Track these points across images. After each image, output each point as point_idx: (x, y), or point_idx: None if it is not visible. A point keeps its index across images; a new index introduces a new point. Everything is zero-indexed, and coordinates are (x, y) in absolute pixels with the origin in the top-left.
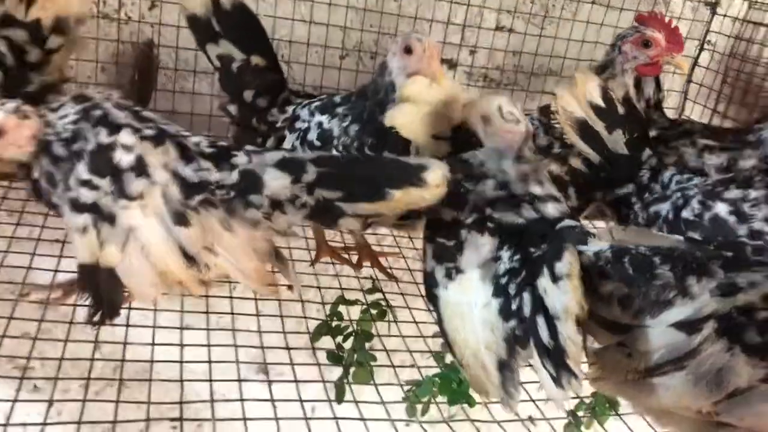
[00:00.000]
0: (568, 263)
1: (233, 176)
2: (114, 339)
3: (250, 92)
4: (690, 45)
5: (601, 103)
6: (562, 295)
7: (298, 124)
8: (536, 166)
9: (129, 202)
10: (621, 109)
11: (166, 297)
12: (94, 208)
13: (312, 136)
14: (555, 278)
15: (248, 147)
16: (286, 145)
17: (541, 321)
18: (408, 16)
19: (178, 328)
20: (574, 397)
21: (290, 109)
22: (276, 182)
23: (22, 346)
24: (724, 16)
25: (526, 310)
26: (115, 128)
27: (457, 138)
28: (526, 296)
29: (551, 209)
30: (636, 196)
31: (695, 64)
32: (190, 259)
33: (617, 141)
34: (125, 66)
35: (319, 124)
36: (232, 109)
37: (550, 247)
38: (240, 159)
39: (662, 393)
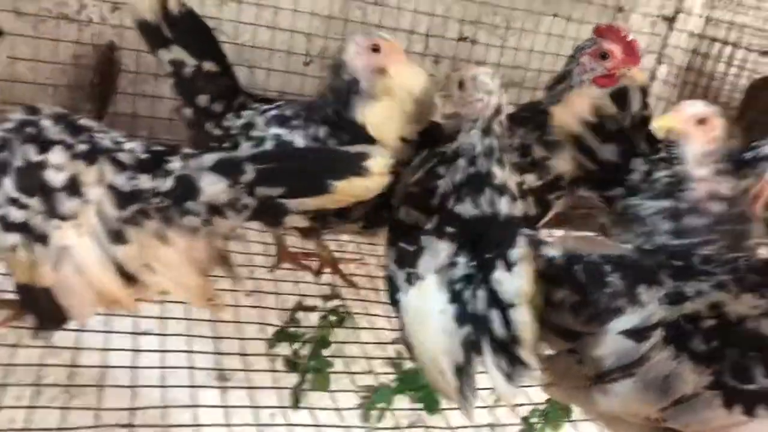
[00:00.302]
0: (521, 248)
1: (168, 183)
2: (67, 344)
3: (204, 97)
4: (649, 59)
5: (592, 119)
6: (516, 279)
7: (254, 133)
8: (503, 142)
9: (62, 222)
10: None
11: None
12: (24, 228)
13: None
14: (509, 266)
15: (185, 150)
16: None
17: (494, 314)
18: (372, 24)
19: (132, 333)
20: (528, 404)
21: (246, 114)
22: (212, 187)
23: None
24: (682, 31)
25: (480, 308)
26: (45, 146)
27: (422, 143)
28: (480, 294)
29: (504, 205)
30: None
31: (653, 77)
32: (128, 277)
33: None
34: (86, 68)
35: (277, 137)
36: (187, 113)
37: (505, 237)
38: (174, 164)
39: (612, 399)
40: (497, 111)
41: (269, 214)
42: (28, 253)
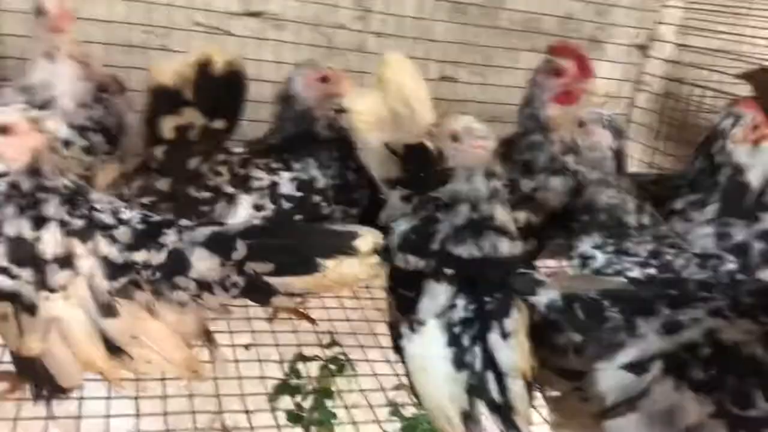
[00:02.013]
0: (514, 320)
1: (161, 256)
2: (67, 413)
3: (196, 159)
4: (627, 87)
5: None
6: (511, 352)
7: (256, 183)
8: (503, 183)
9: (51, 293)
10: None
11: None
12: (13, 297)
13: (287, 189)
14: (504, 335)
15: (182, 222)
16: (245, 207)
17: (490, 377)
18: (355, 71)
19: (133, 397)
20: None
21: (225, 170)
22: (203, 263)
23: None
24: (656, 58)
25: (478, 365)
26: (38, 222)
27: (408, 161)
28: (478, 350)
29: (505, 246)
30: None
31: (633, 104)
32: (115, 349)
33: None
34: None
35: (293, 178)
36: (162, 185)
37: (500, 301)
38: (170, 237)
39: None
40: (494, 153)
41: (257, 294)
42: (17, 322)
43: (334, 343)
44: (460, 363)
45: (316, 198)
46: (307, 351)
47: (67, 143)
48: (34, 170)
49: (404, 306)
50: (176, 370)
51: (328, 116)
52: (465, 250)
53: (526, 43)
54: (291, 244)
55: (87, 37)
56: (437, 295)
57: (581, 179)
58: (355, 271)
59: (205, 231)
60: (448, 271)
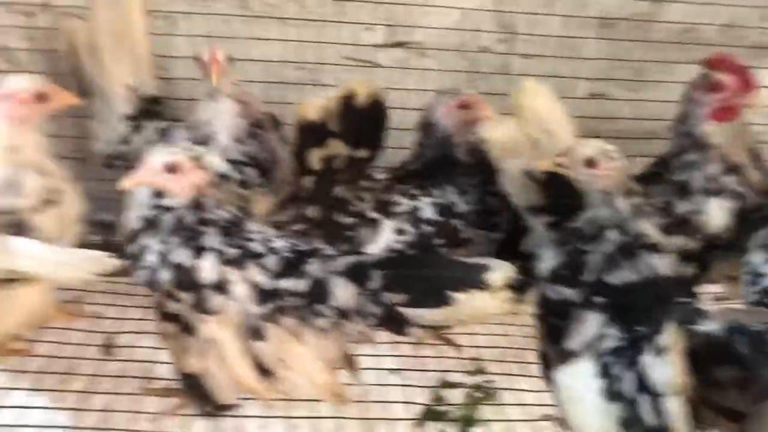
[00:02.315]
0: (669, 336)
1: (304, 284)
2: (226, 431)
3: (341, 187)
4: None
5: None
6: (665, 368)
7: (398, 209)
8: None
9: (208, 316)
10: None
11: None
12: (177, 318)
13: (428, 214)
14: (658, 351)
15: (326, 251)
16: (387, 231)
17: (644, 402)
18: (499, 94)
19: (286, 417)
20: None
21: (368, 196)
22: (342, 293)
23: None
24: None
25: (629, 391)
26: (198, 251)
27: (549, 187)
28: (629, 377)
29: (663, 265)
30: None
31: None
32: (264, 371)
33: None
34: None
35: (433, 203)
36: (312, 212)
37: (654, 321)
38: (312, 266)
39: None
40: (627, 171)
41: (393, 323)
42: (180, 342)
43: (479, 370)
44: (611, 394)
45: (457, 223)
46: (453, 377)
47: (224, 177)
48: (196, 204)
49: (554, 335)
50: (320, 393)
51: (469, 142)
52: (621, 277)
53: (683, 55)
54: (423, 276)
55: (246, 76)
56: (588, 325)
57: (747, 202)
58: (487, 305)
59: (345, 260)
60: (599, 299)
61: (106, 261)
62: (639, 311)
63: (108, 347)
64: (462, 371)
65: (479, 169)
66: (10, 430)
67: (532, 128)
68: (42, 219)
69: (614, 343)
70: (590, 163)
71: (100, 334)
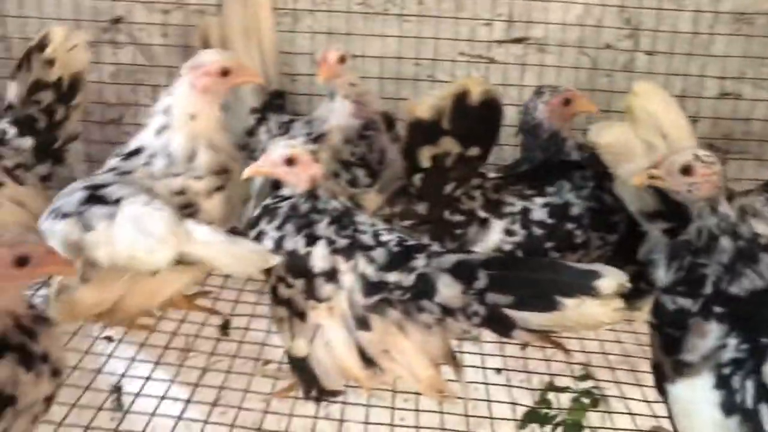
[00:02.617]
0: None
1: (410, 279)
2: (331, 416)
3: (451, 185)
4: None
5: None
6: None
7: (508, 208)
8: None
9: (318, 303)
10: None
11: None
12: (288, 303)
13: (539, 215)
14: None
15: (433, 247)
16: (496, 231)
17: (765, 412)
18: (621, 92)
19: (389, 407)
20: None
21: (479, 195)
22: (447, 290)
23: (253, 416)
24: None
25: (749, 402)
26: (311, 240)
27: (666, 193)
28: (749, 386)
29: None
30: None
31: None
32: (367, 360)
33: None
34: None
35: (546, 204)
36: (421, 208)
37: None
38: (419, 261)
39: None
40: (724, 174)
41: (498, 324)
42: (290, 326)
43: (587, 376)
44: (729, 407)
45: (570, 225)
46: (559, 381)
47: (335, 175)
48: (311, 194)
49: (669, 345)
50: (422, 387)
51: (576, 138)
52: (744, 285)
53: None
54: (531, 279)
55: (364, 72)
56: (706, 335)
57: None
58: (596, 313)
59: (451, 258)
60: (719, 309)
61: (269, 257)
62: (763, 320)
63: (224, 328)
64: (570, 376)
65: (592, 164)
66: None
67: (648, 132)
68: (211, 202)
69: (734, 354)
70: (686, 171)
71: (217, 315)
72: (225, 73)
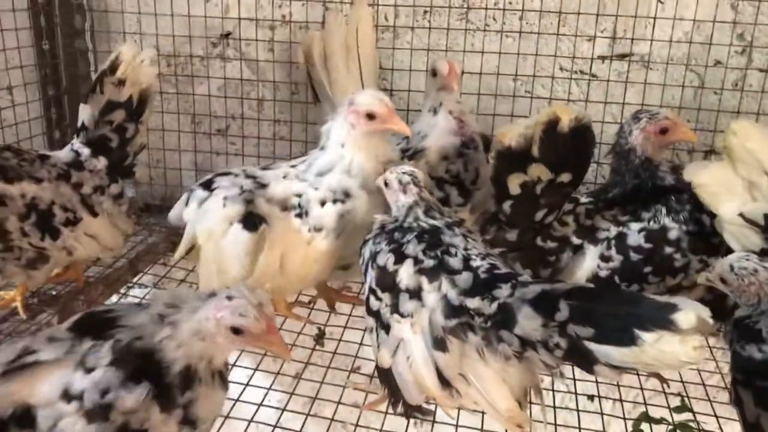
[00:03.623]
0: None
1: (492, 307)
2: None
3: (542, 212)
4: None
5: None
6: None
7: (603, 234)
8: None
9: (401, 318)
10: None
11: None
12: (377, 314)
13: (635, 240)
14: None
15: (521, 277)
16: (591, 257)
17: None
18: (731, 111)
19: (478, 429)
20: None
21: (572, 220)
22: (527, 322)
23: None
24: None
25: None
26: (400, 258)
27: None
28: None
29: None
30: None
31: None
32: (444, 381)
33: None
34: None
35: (642, 229)
36: (511, 235)
37: None
38: (503, 291)
39: None
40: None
41: (579, 358)
42: (377, 337)
43: (684, 407)
44: None
45: (669, 249)
46: (654, 412)
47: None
48: (407, 213)
49: (764, 399)
50: (500, 418)
51: (671, 161)
52: None
53: None
54: (612, 311)
55: (463, 88)
56: None
57: None
58: (676, 350)
59: (536, 288)
60: None
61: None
62: None
63: (319, 338)
64: (664, 406)
65: (688, 187)
66: (230, 404)
67: (747, 170)
68: (322, 210)
69: None
70: (723, 281)
71: (312, 325)
72: (371, 116)
